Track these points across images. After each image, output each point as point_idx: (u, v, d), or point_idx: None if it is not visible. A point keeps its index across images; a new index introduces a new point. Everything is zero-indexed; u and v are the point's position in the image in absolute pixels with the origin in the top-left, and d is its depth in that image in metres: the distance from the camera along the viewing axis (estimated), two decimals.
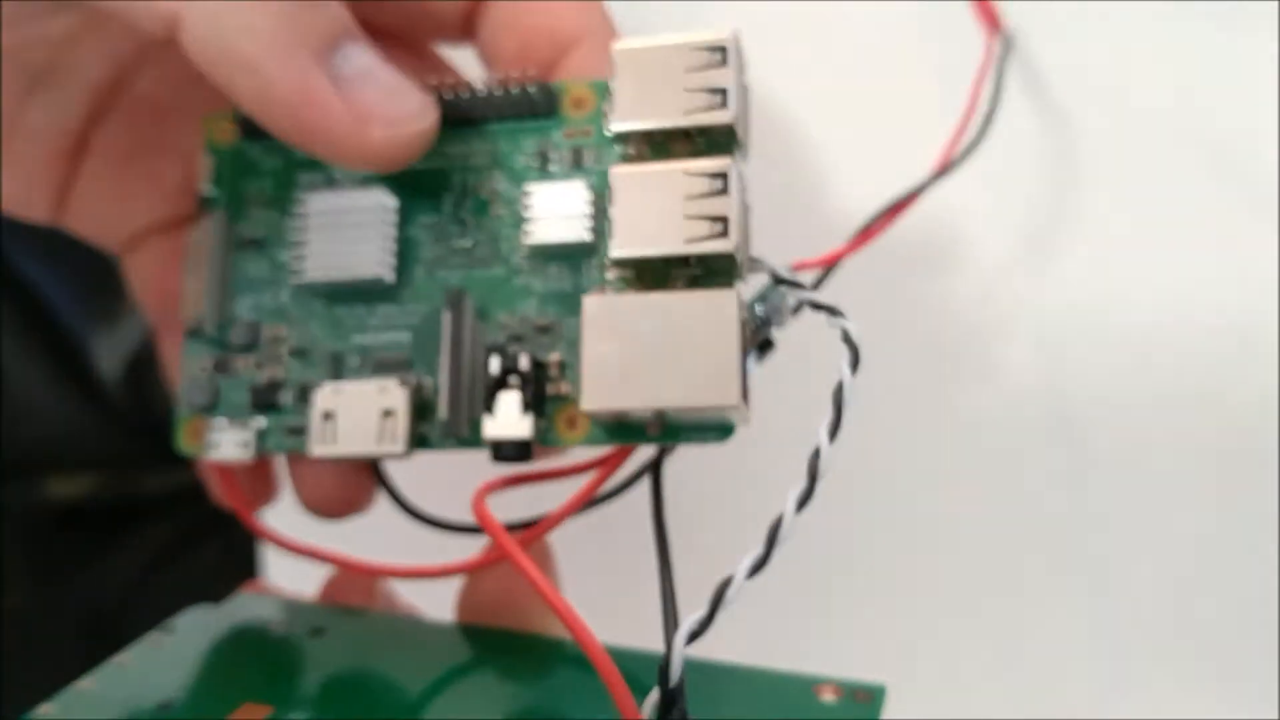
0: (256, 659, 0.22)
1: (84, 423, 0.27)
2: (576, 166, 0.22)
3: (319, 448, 0.22)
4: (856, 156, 0.31)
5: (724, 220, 0.20)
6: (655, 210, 0.20)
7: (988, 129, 0.27)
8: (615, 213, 0.20)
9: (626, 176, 0.21)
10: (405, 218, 0.23)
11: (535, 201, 0.22)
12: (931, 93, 0.30)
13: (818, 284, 0.24)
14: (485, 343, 0.22)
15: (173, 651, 0.22)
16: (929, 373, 0.30)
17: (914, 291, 0.30)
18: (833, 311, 0.20)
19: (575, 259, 0.22)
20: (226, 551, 0.32)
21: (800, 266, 0.22)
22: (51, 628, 0.25)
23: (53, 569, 0.25)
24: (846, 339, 0.20)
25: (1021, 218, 0.30)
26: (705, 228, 0.20)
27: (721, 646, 0.19)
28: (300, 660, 0.22)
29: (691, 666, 0.18)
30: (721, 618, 0.18)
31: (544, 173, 0.22)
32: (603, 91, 0.23)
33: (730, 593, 0.18)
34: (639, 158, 0.21)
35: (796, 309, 0.21)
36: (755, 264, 0.21)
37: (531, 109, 0.23)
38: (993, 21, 0.29)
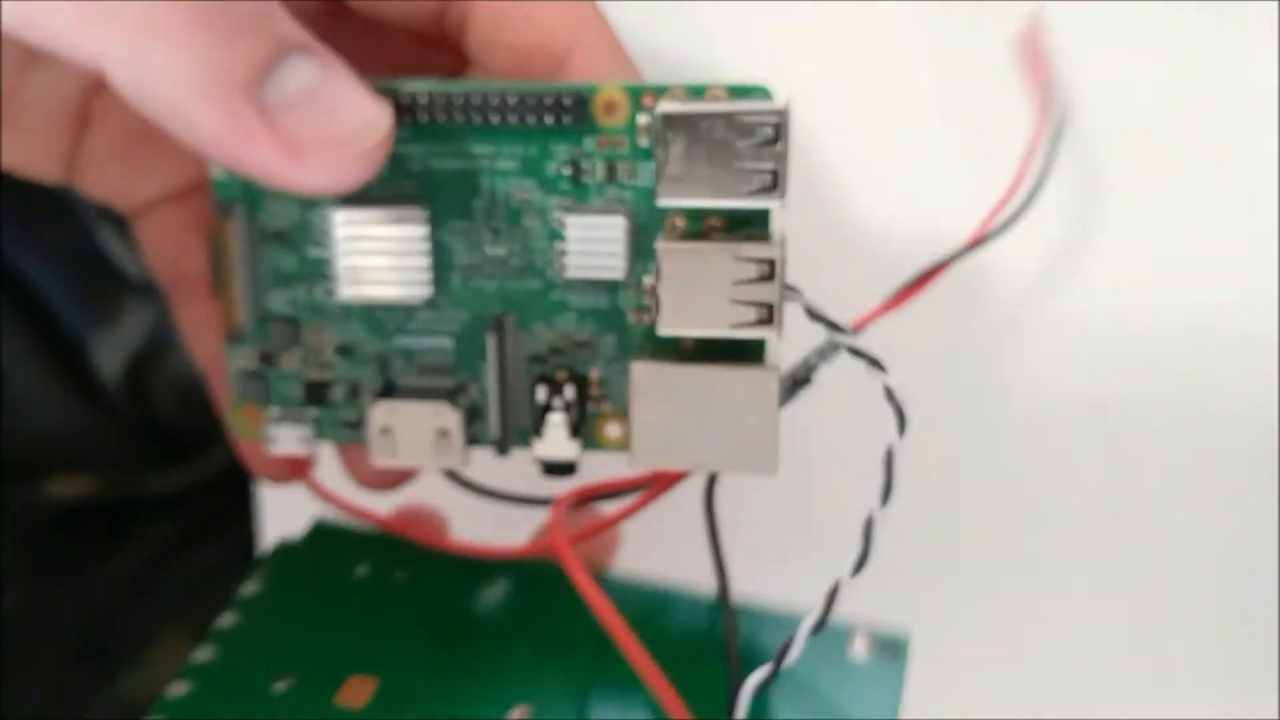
0: (352, 615, 0.25)
1: (84, 423, 0.26)
2: (610, 181, 0.22)
3: (381, 459, 0.23)
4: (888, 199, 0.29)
5: (769, 307, 0.21)
6: (702, 290, 0.21)
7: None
8: (662, 290, 0.21)
9: (674, 253, 0.21)
10: (436, 221, 0.23)
11: (571, 234, 0.22)
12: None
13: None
14: (526, 354, 0.23)
15: (274, 610, 0.25)
16: (937, 375, 0.29)
17: (924, 297, 0.28)
18: (874, 364, 0.22)
19: (613, 283, 0.23)
20: (226, 552, 0.33)
21: (859, 325, 0.23)
22: (51, 628, 0.26)
23: (52, 569, 0.25)
24: (890, 398, 0.22)
25: (1023, 221, 0.28)
26: (752, 314, 0.21)
27: None
28: (392, 612, 0.25)
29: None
30: None
31: (577, 185, 0.22)
32: (635, 96, 0.22)
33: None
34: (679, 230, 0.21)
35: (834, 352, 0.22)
36: (793, 293, 0.22)
37: (559, 114, 0.22)
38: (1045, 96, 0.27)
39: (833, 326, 0.22)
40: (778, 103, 0.20)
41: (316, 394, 0.24)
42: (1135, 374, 0.29)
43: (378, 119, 0.20)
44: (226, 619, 0.25)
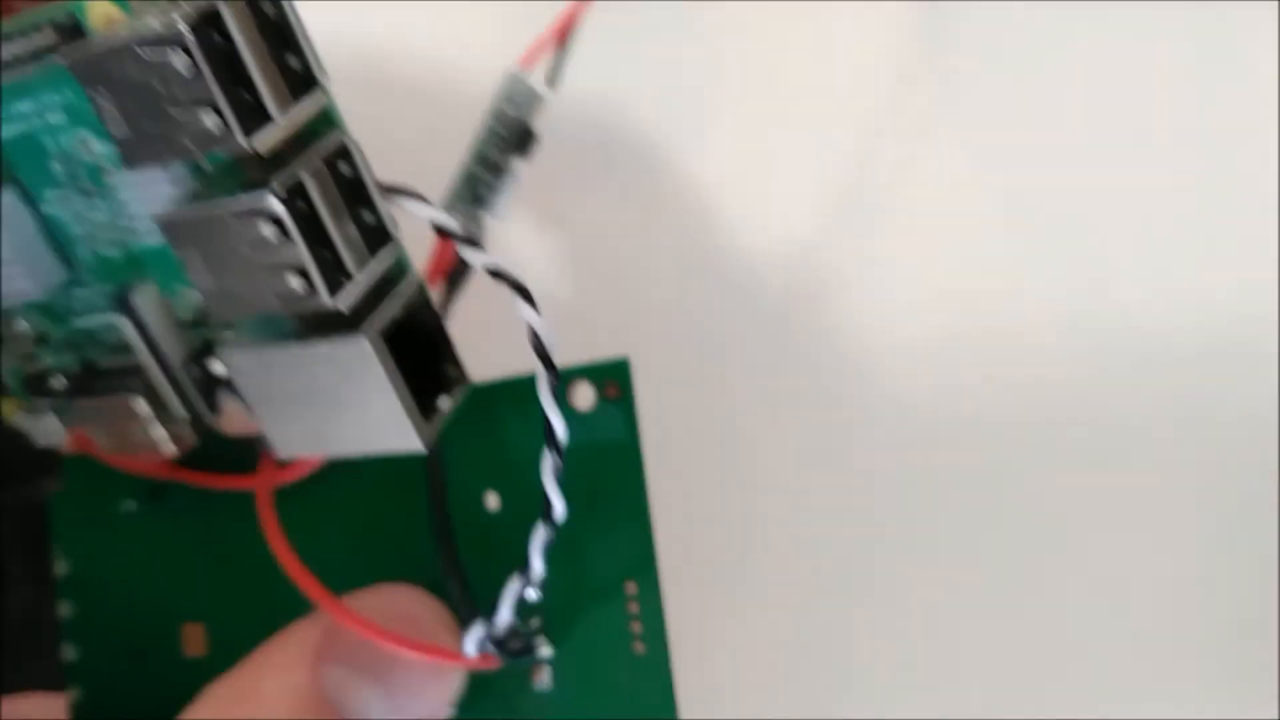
0: (152, 562, 0.24)
1: None
2: None
3: (111, 449, 0.21)
4: None
5: (302, 271, 0.15)
6: (228, 264, 0.16)
7: None
8: (187, 268, 0.16)
9: (174, 222, 0.16)
10: (33, 195, 0.19)
11: (131, 195, 0.17)
12: None
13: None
14: (183, 321, 0.19)
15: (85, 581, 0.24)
16: (927, 374, 0.27)
17: (914, 295, 0.27)
18: (518, 288, 0.16)
19: None
20: None
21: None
22: (52, 628, 0.25)
23: (53, 572, 0.26)
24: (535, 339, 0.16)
25: (1019, 219, 0.27)
26: (295, 282, 0.16)
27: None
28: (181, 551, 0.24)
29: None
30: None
31: None
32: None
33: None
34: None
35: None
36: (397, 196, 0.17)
37: (57, 43, 0.17)
38: None
39: (468, 242, 0.16)
40: (173, 21, 0.14)
41: (38, 386, 0.22)
42: (1135, 374, 0.27)
43: None
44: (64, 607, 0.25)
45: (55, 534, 0.24)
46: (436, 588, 0.20)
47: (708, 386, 0.28)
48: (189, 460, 0.23)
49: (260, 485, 0.20)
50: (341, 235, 0.16)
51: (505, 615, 0.19)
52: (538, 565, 0.18)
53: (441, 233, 0.17)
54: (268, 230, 0.15)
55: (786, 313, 0.28)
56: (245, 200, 0.15)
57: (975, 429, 0.28)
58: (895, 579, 0.28)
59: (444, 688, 0.20)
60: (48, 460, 0.27)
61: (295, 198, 0.15)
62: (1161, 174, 0.26)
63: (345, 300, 0.16)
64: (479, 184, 0.19)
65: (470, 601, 0.20)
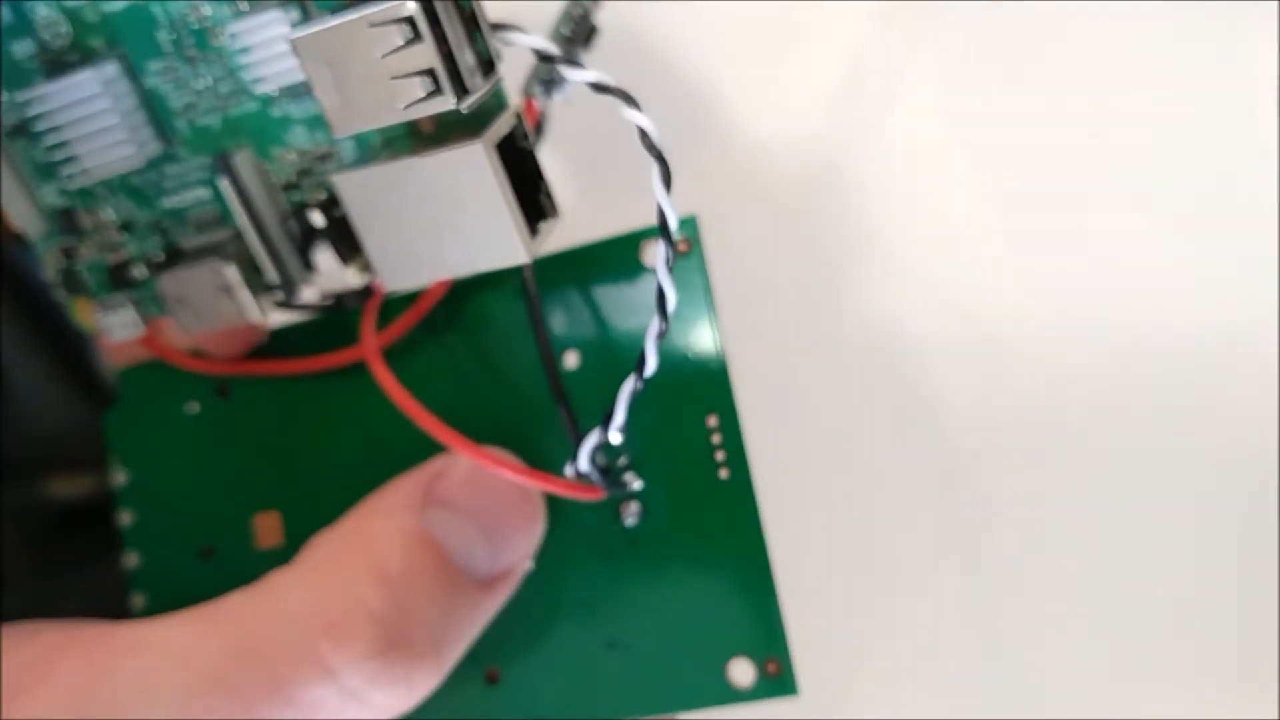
0: (216, 456, 0.24)
1: (86, 423, 0.26)
2: None
3: (191, 327, 0.22)
4: None
5: (431, 72, 0.17)
6: (357, 74, 0.17)
7: None
8: (315, 87, 0.18)
9: (308, 41, 0.17)
10: (137, 68, 0.20)
11: (247, 43, 0.19)
12: None
13: None
14: (278, 183, 0.20)
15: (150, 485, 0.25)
16: (928, 371, 0.28)
17: (911, 291, 0.28)
18: (625, 97, 0.18)
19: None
20: None
21: None
22: None
23: (54, 569, 0.25)
24: (645, 138, 0.18)
25: (1018, 217, 0.27)
26: (418, 86, 0.17)
27: None
28: (248, 439, 0.24)
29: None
30: None
31: None
32: None
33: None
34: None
35: None
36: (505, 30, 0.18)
37: None
38: None
39: (570, 63, 0.18)
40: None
41: (120, 276, 0.23)
42: (1135, 374, 0.28)
43: None
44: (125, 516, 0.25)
45: (112, 446, 0.25)
46: (524, 446, 0.21)
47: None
48: (257, 354, 0.24)
49: (369, 351, 0.21)
50: (461, 52, 0.17)
51: (584, 460, 0.20)
52: (622, 413, 0.20)
53: (544, 57, 0.18)
54: (402, 35, 0.17)
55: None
56: (383, 5, 0.17)
57: (976, 429, 0.28)
58: (893, 578, 0.29)
59: (532, 537, 0.21)
60: (49, 460, 0.27)
61: (427, 4, 0.17)
62: (1162, 173, 0.27)
63: (468, 104, 0.17)
64: (551, 68, 0.21)
65: (577, 429, 0.21)
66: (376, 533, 0.20)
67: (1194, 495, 0.27)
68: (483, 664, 0.21)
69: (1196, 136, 0.27)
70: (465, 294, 0.22)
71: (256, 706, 0.18)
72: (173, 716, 0.18)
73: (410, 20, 0.17)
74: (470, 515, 0.20)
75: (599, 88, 0.18)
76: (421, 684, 0.19)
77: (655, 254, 0.18)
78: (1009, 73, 0.28)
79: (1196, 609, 0.27)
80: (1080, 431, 0.28)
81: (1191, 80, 0.27)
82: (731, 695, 0.20)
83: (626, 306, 0.21)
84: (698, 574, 0.21)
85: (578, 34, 0.22)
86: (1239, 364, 0.27)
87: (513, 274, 0.21)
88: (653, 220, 0.19)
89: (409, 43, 0.17)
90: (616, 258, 0.21)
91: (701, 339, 0.21)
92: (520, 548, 0.21)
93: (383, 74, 0.17)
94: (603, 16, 0.23)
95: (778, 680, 0.20)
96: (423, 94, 0.17)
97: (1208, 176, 0.27)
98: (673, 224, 0.18)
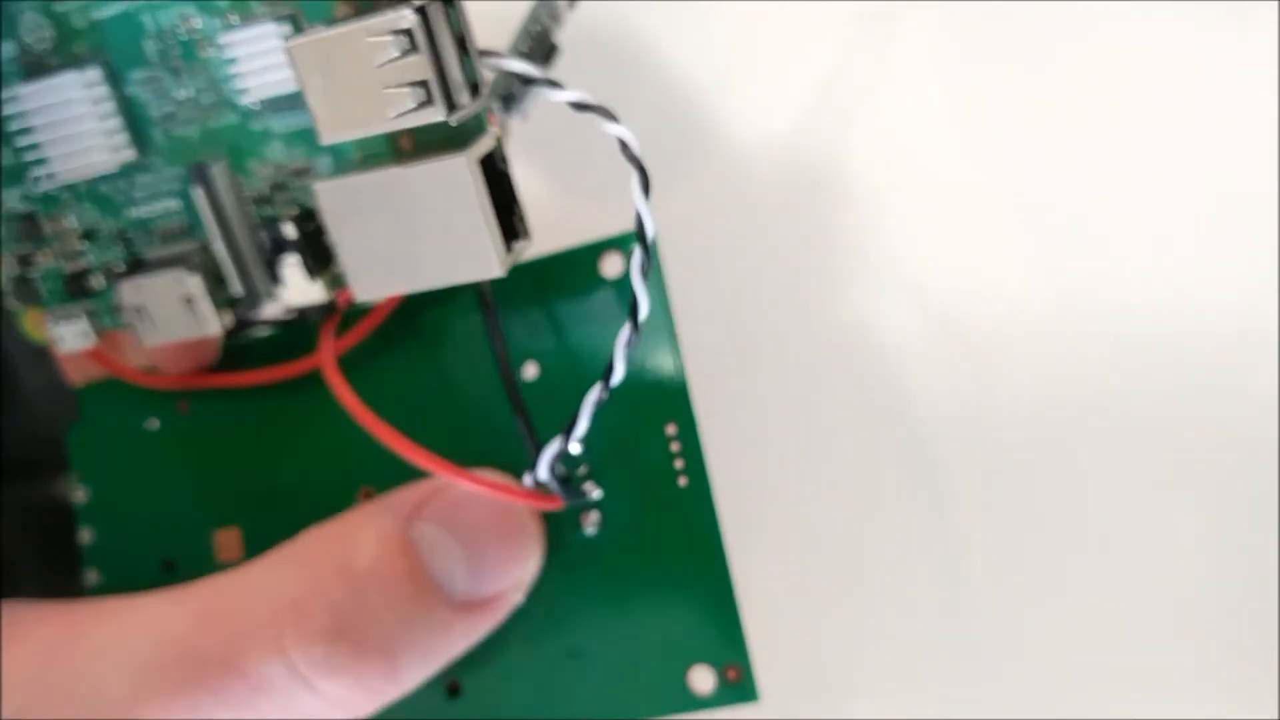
0: (175, 474, 0.24)
1: None
2: None
3: (148, 338, 0.22)
4: None
5: (424, 84, 0.18)
6: (350, 83, 0.18)
7: None
8: (307, 94, 0.18)
9: (304, 49, 0.18)
10: (119, 75, 0.21)
11: (236, 54, 0.19)
12: None
13: None
14: (250, 196, 0.21)
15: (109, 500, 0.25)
16: (926, 369, 0.28)
17: (907, 287, 0.28)
18: (604, 112, 0.18)
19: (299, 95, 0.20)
20: None
21: None
22: None
23: (60, 568, 0.25)
24: (625, 149, 0.18)
25: (1019, 216, 0.27)
26: (409, 96, 0.18)
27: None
28: (206, 455, 0.24)
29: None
30: None
31: (237, 3, 0.19)
32: None
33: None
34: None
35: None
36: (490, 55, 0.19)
37: None
38: None
39: (550, 84, 0.19)
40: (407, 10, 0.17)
41: (77, 285, 0.23)
42: (1136, 373, 0.27)
43: None
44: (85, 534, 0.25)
45: (73, 463, 0.25)
46: (481, 457, 0.22)
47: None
48: (217, 367, 0.24)
49: (325, 359, 0.21)
50: (451, 68, 0.18)
51: (543, 470, 0.21)
52: (584, 422, 0.20)
53: (526, 80, 0.19)
54: (398, 46, 0.17)
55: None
56: (382, 17, 0.17)
57: (973, 429, 0.28)
58: (892, 576, 0.28)
59: (521, 569, 0.21)
60: (49, 459, 0.27)
61: (424, 18, 0.18)
62: (1164, 172, 0.27)
63: (456, 117, 0.18)
64: (511, 84, 0.22)
65: (535, 439, 0.21)
66: (356, 530, 0.20)
67: (1195, 494, 0.27)
68: (444, 676, 0.21)
69: (1199, 135, 0.27)
70: (420, 306, 0.23)
71: (213, 676, 0.18)
72: (131, 680, 0.17)
73: (408, 32, 0.17)
74: (457, 535, 0.20)
75: (580, 106, 0.19)
76: (371, 685, 0.19)
77: (632, 262, 0.19)
78: (1001, 73, 0.28)
79: (1192, 610, 0.27)
80: (1072, 433, 0.28)
81: (1193, 80, 0.27)
82: (693, 703, 0.21)
83: (584, 318, 0.22)
84: (658, 582, 0.21)
85: (535, 52, 0.23)
86: (1241, 366, 0.27)
87: (469, 286, 0.21)
88: (607, 230, 0.20)
89: (404, 54, 0.18)
90: (576, 269, 0.22)
91: (660, 349, 0.21)
92: (505, 577, 0.21)
93: (376, 84, 0.18)
94: (565, 33, 0.23)
95: (738, 686, 0.20)
96: (414, 105, 0.18)
97: (1210, 176, 0.27)
98: (650, 232, 0.18)
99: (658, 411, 0.21)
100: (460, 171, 0.18)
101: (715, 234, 0.29)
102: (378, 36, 0.18)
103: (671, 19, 0.29)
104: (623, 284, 0.21)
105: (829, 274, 0.28)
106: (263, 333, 0.24)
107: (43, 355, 0.27)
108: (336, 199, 0.19)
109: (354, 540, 0.20)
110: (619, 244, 0.22)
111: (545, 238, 0.21)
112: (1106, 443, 0.27)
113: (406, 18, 0.17)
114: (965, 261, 0.28)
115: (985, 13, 0.28)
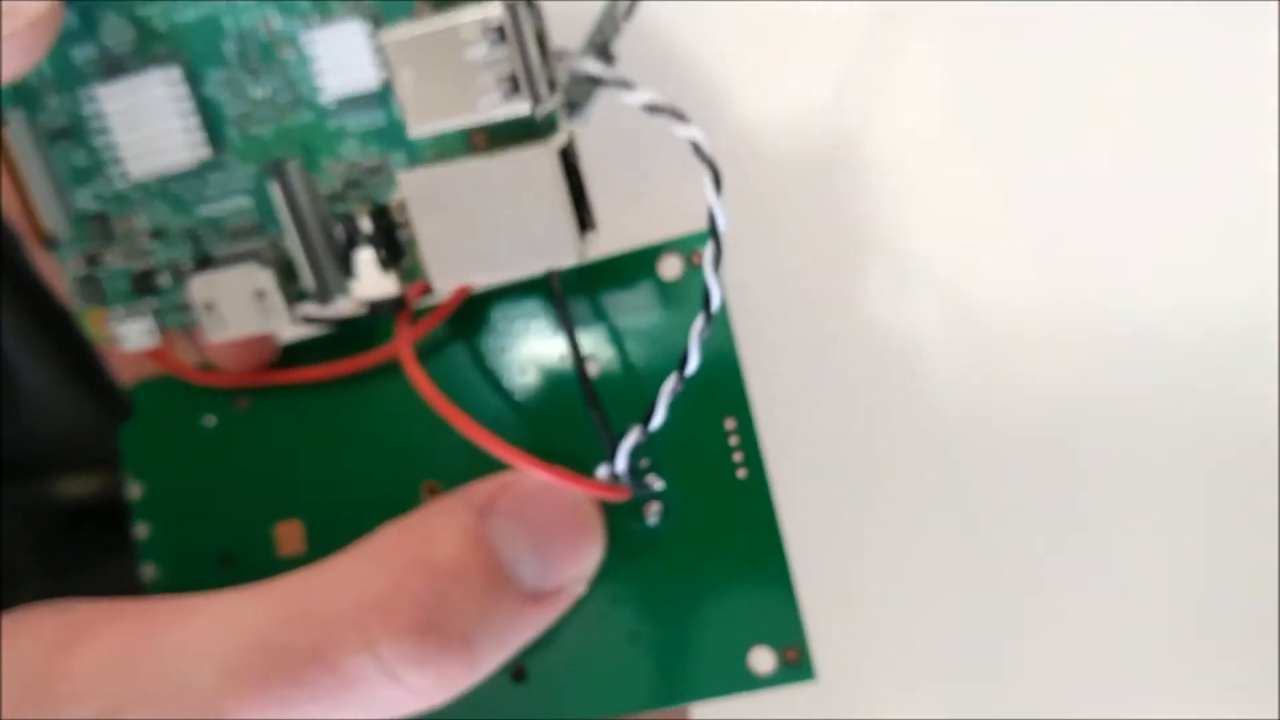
0: (234, 468, 0.25)
1: (94, 423, 0.26)
2: None
3: (214, 334, 0.22)
4: None
5: (512, 75, 0.19)
6: (440, 76, 0.19)
7: None
8: (397, 87, 0.19)
9: (399, 46, 0.19)
10: (198, 75, 0.21)
11: (316, 52, 0.20)
12: None
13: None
14: (323, 194, 0.22)
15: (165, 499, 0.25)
16: (926, 369, 0.28)
17: (926, 291, 0.28)
18: (676, 115, 0.19)
19: (382, 95, 0.21)
20: None
21: None
22: None
23: (62, 568, 0.25)
24: (699, 151, 0.19)
25: (1018, 216, 0.28)
26: (496, 88, 0.19)
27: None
28: (267, 449, 0.25)
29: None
30: None
31: (318, 3, 0.20)
32: None
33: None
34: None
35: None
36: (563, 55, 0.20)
37: None
38: None
39: (622, 84, 0.20)
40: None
41: (144, 284, 0.23)
42: (1137, 373, 0.28)
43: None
44: (140, 529, 0.25)
45: (126, 459, 0.25)
46: (546, 452, 0.22)
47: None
48: (279, 363, 0.25)
49: (404, 351, 0.22)
50: (535, 63, 0.19)
51: (622, 461, 0.22)
52: (662, 412, 0.21)
53: (595, 80, 0.20)
54: (489, 41, 0.18)
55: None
56: (473, 11, 0.18)
57: (973, 428, 0.29)
58: (891, 575, 0.29)
59: (585, 561, 0.22)
60: (57, 460, 0.27)
61: (513, 15, 0.18)
62: (1165, 172, 0.28)
63: (540, 111, 0.19)
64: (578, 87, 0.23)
65: (610, 432, 0.22)
66: (434, 526, 0.21)
67: (1195, 493, 0.27)
68: (510, 662, 0.22)
69: (1203, 134, 0.28)
70: (484, 302, 0.23)
71: (302, 672, 0.18)
72: (217, 677, 0.18)
73: (499, 29, 0.18)
74: (526, 528, 0.21)
75: (652, 108, 0.20)
76: (452, 675, 0.19)
77: (705, 255, 0.20)
78: (1018, 71, 0.28)
79: (1196, 608, 0.27)
80: (1100, 429, 0.28)
81: (1197, 80, 0.28)
82: (753, 682, 0.21)
83: (642, 318, 0.22)
84: (718, 569, 0.22)
85: (601, 56, 0.24)
86: (1248, 365, 0.27)
87: (536, 281, 0.23)
88: (656, 235, 0.21)
89: (493, 48, 0.18)
90: (634, 271, 0.22)
91: (718, 343, 0.22)
92: (572, 569, 0.22)
93: (464, 77, 0.19)
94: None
95: (797, 666, 0.21)
96: (500, 98, 0.19)
97: (1215, 176, 0.28)
98: (722, 226, 0.19)
99: (717, 405, 0.22)
100: (543, 160, 0.19)
101: (753, 226, 0.29)
102: (469, 31, 0.18)
103: (685, 15, 0.30)
104: (679, 285, 0.22)
105: (866, 267, 0.29)
106: (327, 330, 0.24)
107: (43, 355, 0.27)
108: (420, 188, 0.20)
109: (433, 535, 0.20)
110: (678, 247, 0.22)
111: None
112: (1135, 437, 0.28)
113: (496, 15, 0.18)
114: (1002, 254, 0.28)
115: (1013, 12, 0.28)
